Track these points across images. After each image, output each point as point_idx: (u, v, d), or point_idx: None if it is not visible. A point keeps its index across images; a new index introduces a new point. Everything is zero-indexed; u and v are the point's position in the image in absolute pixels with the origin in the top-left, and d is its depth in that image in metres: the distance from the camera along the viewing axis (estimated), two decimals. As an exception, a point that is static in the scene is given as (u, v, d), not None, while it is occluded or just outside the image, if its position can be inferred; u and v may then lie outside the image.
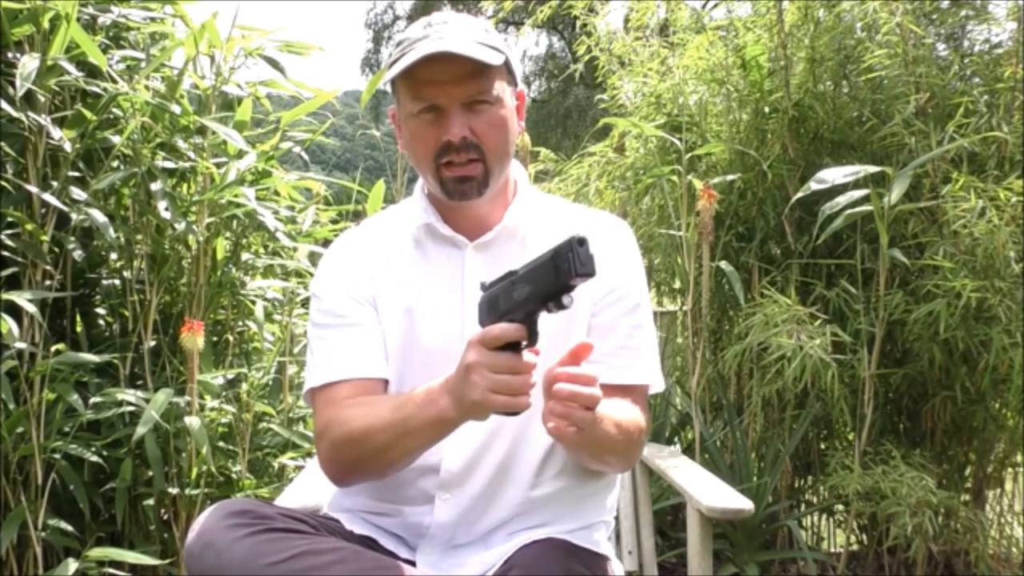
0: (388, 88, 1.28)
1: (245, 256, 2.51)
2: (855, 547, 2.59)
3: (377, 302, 1.26)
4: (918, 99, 2.26)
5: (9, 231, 2.03)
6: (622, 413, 1.17)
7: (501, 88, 1.20)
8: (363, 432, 1.15)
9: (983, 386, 2.20)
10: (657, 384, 1.29)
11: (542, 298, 0.99)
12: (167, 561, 2.06)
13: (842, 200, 2.15)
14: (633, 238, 1.34)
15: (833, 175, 2.18)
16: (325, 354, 1.25)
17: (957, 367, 2.25)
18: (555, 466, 1.24)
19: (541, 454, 1.23)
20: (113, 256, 2.36)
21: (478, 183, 1.20)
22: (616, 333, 1.25)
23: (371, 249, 1.30)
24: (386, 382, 1.24)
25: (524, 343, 1.02)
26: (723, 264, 2.41)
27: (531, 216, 1.29)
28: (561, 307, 0.98)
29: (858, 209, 2.13)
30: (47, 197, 1.99)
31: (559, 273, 0.95)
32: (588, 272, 0.94)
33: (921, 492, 2.07)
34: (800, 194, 2.25)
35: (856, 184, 2.17)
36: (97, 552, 1.89)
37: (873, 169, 2.15)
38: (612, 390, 1.16)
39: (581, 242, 0.94)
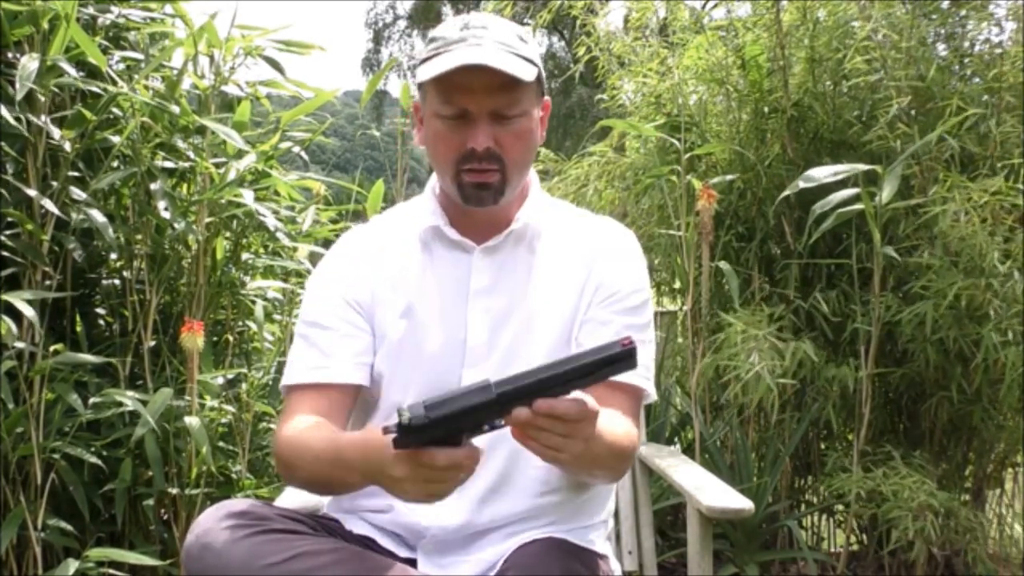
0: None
1: (245, 256, 2.51)
2: (855, 547, 2.59)
3: (375, 303, 1.26)
4: (900, 102, 2.26)
5: (9, 231, 2.03)
6: (615, 427, 1.13)
7: (530, 100, 1.21)
8: (297, 461, 1.18)
9: (978, 385, 2.20)
10: (649, 391, 1.26)
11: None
12: (167, 562, 2.06)
13: (833, 199, 2.16)
14: (639, 249, 1.33)
15: (821, 173, 2.19)
16: (304, 356, 1.26)
17: (952, 367, 2.25)
18: (562, 474, 1.22)
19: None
20: (113, 256, 2.36)
21: (495, 191, 1.21)
22: (608, 328, 1.24)
23: (375, 248, 1.31)
24: (357, 388, 1.25)
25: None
26: (722, 264, 2.41)
27: (540, 220, 1.29)
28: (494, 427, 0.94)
29: (848, 208, 2.14)
30: (45, 202, 1.98)
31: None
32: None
33: (924, 496, 2.07)
34: (787, 192, 2.26)
35: (853, 183, 2.18)
36: (97, 552, 1.89)
37: (863, 167, 2.15)
38: (601, 389, 1.09)
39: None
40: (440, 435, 0.92)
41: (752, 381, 2.12)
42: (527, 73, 1.16)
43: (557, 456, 0.97)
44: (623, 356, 0.90)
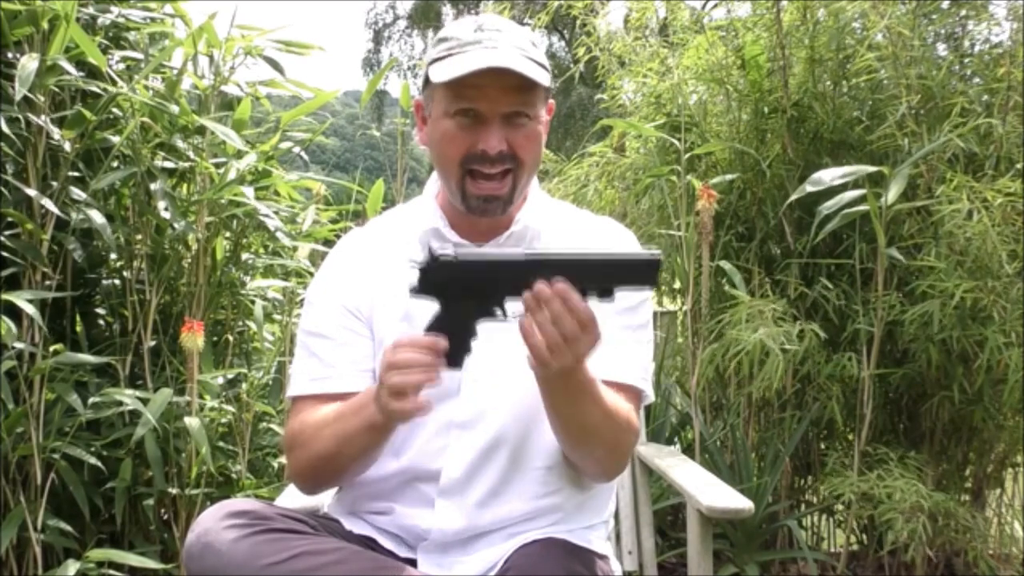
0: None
1: (245, 256, 2.51)
2: (855, 547, 2.59)
3: (374, 308, 1.26)
4: (909, 100, 2.26)
5: (9, 231, 2.03)
6: (612, 398, 1.15)
7: (540, 103, 1.21)
8: (311, 440, 1.20)
9: (979, 385, 2.20)
10: (646, 391, 1.26)
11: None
12: (169, 565, 2.06)
13: (842, 199, 2.16)
14: (638, 247, 1.32)
15: (829, 175, 2.18)
16: (306, 366, 1.27)
17: (954, 367, 2.25)
18: (562, 475, 1.23)
19: (547, 462, 1.22)
20: (113, 256, 2.36)
21: (503, 202, 1.20)
22: (604, 328, 1.23)
23: (372, 252, 1.30)
24: None
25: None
26: (724, 264, 2.41)
27: (540, 221, 1.28)
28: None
29: (854, 209, 2.14)
30: (45, 202, 1.98)
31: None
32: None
33: (915, 497, 2.07)
34: (796, 195, 2.25)
35: (854, 184, 2.18)
36: (97, 553, 1.89)
37: (870, 169, 2.15)
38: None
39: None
40: (464, 281, 1.05)
41: (758, 355, 2.10)
42: (543, 77, 1.16)
43: (549, 361, 1.02)
44: (643, 266, 1.04)
